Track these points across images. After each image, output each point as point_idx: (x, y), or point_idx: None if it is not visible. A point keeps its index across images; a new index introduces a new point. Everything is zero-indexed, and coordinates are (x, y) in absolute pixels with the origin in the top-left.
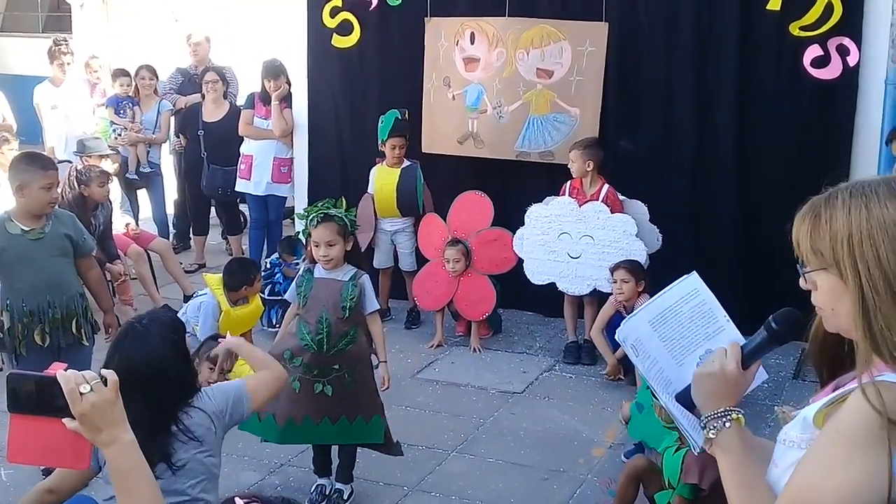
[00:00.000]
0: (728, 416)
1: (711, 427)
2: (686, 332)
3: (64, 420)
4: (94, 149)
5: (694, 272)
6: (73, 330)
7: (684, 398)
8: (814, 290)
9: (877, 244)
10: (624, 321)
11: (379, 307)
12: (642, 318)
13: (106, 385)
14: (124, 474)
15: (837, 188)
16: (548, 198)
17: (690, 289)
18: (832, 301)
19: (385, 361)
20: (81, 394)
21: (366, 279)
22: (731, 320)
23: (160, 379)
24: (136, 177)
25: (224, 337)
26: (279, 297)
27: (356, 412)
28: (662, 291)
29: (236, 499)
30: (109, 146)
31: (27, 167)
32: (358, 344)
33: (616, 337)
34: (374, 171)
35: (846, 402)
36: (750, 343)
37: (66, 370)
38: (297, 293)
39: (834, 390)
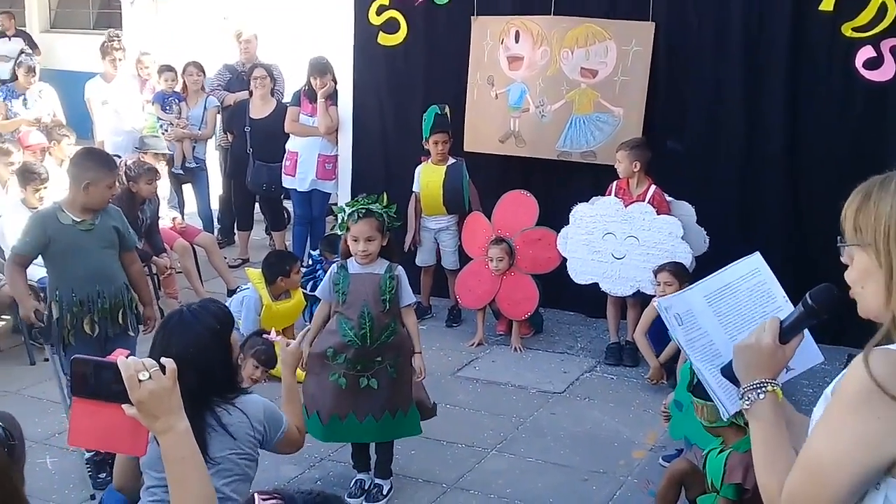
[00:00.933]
0: (763, 388)
1: (747, 398)
2: (743, 309)
3: (123, 406)
4: (152, 146)
5: (757, 252)
6: (120, 320)
7: (728, 372)
8: (850, 266)
9: None
10: (675, 293)
11: (414, 300)
12: (698, 293)
13: (164, 373)
14: (178, 462)
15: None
16: (594, 197)
17: (752, 268)
18: (862, 279)
19: (420, 353)
20: (140, 381)
21: (401, 271)
22: (789, 301)
23: (198, 365)
24: (181, 172)
25: (269, 333)
26: None
27: (397, 406)
28: (723, 269)
29: (255, 495)
30: None
31: (96, 165)
32: (399, 335)
33: (655, 304)
34: (419, 170)
35: (846, 371)
36: (788, 318)
37: (127, 357)
38: (335, 290)
39: None
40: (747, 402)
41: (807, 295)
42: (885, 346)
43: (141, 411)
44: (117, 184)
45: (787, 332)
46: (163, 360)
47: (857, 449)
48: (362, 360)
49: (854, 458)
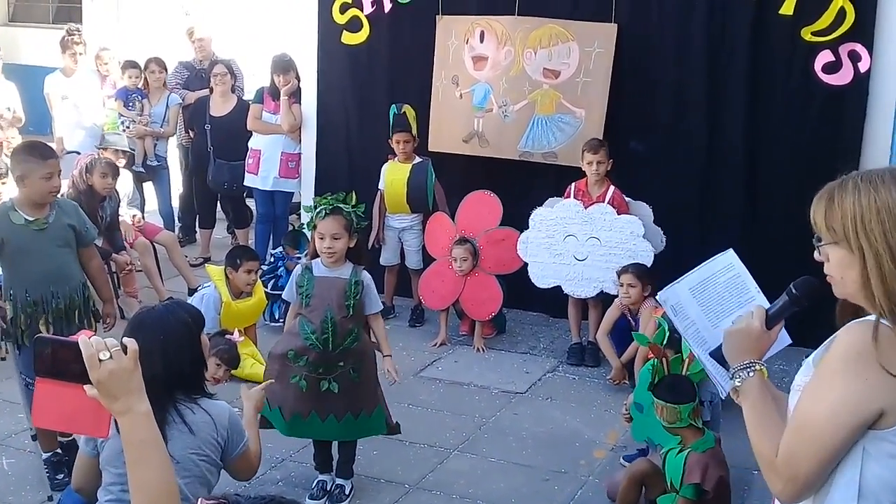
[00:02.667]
0: (752, 368)
1: (738, 376)
2: (721, 300)
3: (84, 387)
4: (113, 143)
5: (730, 249)
6: (76, 320)
7: (717, 355)
8: (826, 262)
9: (883, 222)
10: (667, 287)
11: (380, 307)
12: (684, 286)
13: (126, 354)
14: (137, 445)
15: (850, 175)
16: (550, 199)
17: (726, 263)
18: (841, 270)
19: (390, 355)
20: (100, 360)
21: (368, 276)
22: (761, 292)
23: (166, 356)
24: (142, 170)
25: (231, 333)
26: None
27: (360, 407)
28: (702, 264)
29: (201, 500)
30: None
31: (27, 157)
32: (362, 341)
33: (657, 297)
34: (385, 168)
35: (833, 340)
36: (773, 307)
37: (90, 337)
38: (299, 293)
39: None
40: (738, 380)
41: (791, 285)
42: (865, 318)
43: (100, 391)
44: (76, 178)
45: (772, 319)
46: (124, 340)
47: (844, 407)
48: (324, 364)
49: (841, 415)
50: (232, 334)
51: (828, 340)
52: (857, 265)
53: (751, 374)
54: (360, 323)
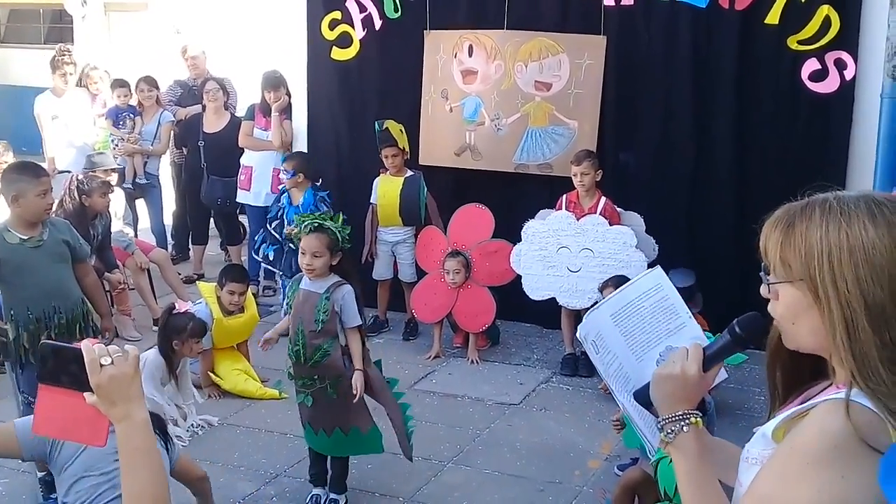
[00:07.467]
0: (686, 420)
1: (669, 430)
2: (647, 326)
3: (84, 395)
4: (100, 164)
5: (658, 266)
6: (78, 335)
7: (642, 396)
8: (774, 300)
9: (857, 266)
10: (586, 315)
11: (358, 323)
12: (605, 311)
13: (127, 360)
14: (131, 452)
15: (815, 200)
16: (542, 211)
17: (654, 283)
18: (793, 315)
19: (360, 370)
20: (102, 365)
21: (344, 293)
22: (692, 317)
23: None
24: (130, 187)
25: (175, 307)
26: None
27: (349, 424)
28: (626, 285)
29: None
30: None
31: (20, 176)
32: (333, 357)
33: (577, 335)
34: (377, 181)
35: (805, 419)
36: (713, 346)
37: (93, 344)
38: (286, 302)
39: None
40: (671, 435)
41: (734, 323)
42: (856, 402)
43: (100, 396)
44: (66, 197)
45: (710, 361)
46: (126, 346)
47: None
48: (302, 377)
49: None
50: (176, 308)
51: (792, 411)
52: (816, 312)
53: (685, 428)
54: (333, 339)
